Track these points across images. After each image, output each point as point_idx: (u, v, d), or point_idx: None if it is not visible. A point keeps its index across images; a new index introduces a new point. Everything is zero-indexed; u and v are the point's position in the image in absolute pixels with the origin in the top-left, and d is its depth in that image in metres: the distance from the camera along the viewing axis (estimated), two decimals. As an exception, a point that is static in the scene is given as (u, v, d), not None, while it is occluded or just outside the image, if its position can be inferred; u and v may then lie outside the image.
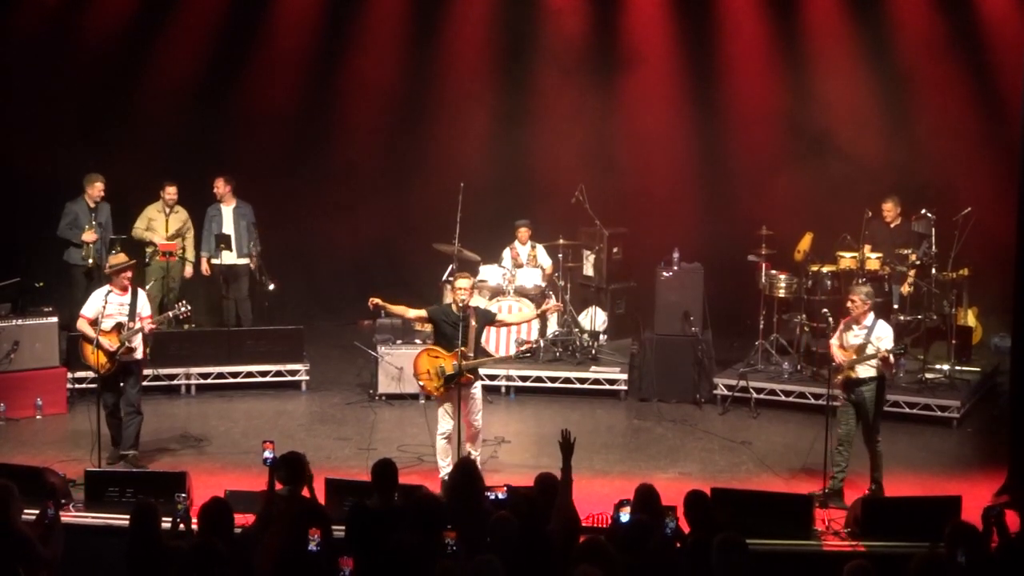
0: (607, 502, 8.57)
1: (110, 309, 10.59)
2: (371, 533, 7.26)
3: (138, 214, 13.70)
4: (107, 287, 10.72)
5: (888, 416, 10.48)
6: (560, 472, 7.89)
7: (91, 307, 10.63)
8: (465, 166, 14.37)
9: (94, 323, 10.51)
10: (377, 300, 10.47)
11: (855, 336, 10.10)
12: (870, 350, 9.96)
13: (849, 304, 10.24)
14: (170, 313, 11.06)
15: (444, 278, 13.51)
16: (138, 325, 10.56)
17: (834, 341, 10.32)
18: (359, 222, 15.68)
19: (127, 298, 10.64)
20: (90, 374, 11.68)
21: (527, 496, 7.82)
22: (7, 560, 7.00)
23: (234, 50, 15.17)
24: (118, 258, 11.07)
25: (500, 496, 8.08)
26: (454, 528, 7.07)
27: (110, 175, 13.46)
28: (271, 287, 13.42)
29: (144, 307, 10.73)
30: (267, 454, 8.08)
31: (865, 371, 10.03)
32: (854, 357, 10.00)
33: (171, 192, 13.62)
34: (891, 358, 10.07)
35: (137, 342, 10.65)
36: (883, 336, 10.03)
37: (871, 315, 10.14)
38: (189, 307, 11.05)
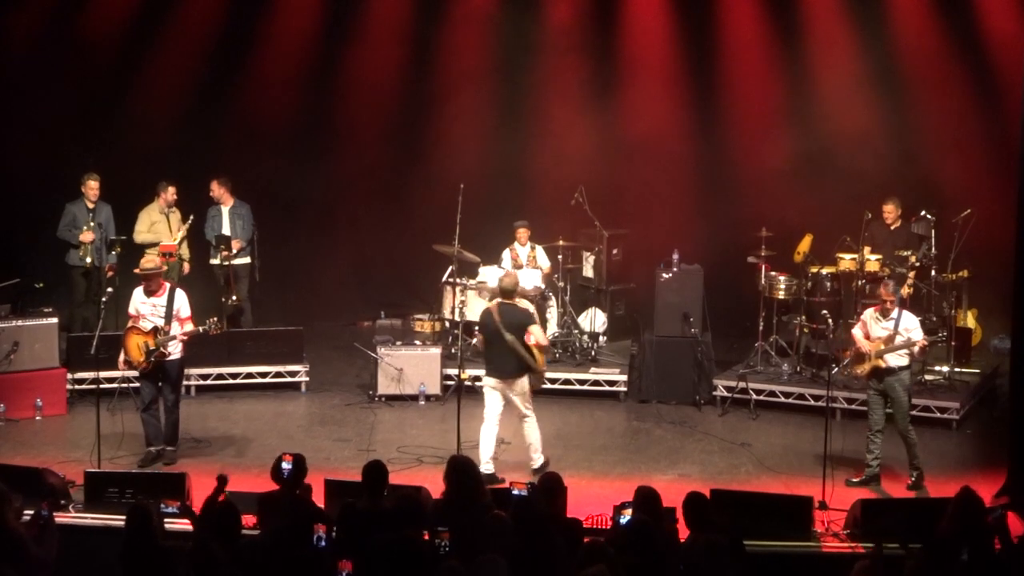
0: (606, 503, 8.59)
1: (143, 310, 10.76)
2: (361, 533, 7.27)
3: (134, 215, 13.58)
4: (140, 288, 10.89)
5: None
6: None
7: (131, 306, 10.88)
8: (465, 167, 14.31)
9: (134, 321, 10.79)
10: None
11: (883, 328, 10.45)
12: (899, 340, 10.29)
13: (887, 303, 10.41)
14: (200, 328, 10.90)
15: (444, 279, 13.50)
16: (173, 331, 10.64)
17: (857, 331, 10.66)
18: (358, 223, 15.68)
19: (161, 300, 10.73)
20: (89, 375, 11.72)
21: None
22: (1, 560, 7.00)
23: (234, 52, 15.15)
24: (149, 262, 11.26)
25: (521, 493, 8.11)
26: (450, 527, 7.07)
27: (109, 176, 13.44)
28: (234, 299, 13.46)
29: (183, 308, 10.80)
30: (285, 465, 8.08)
31: (896, 360, 10.40)
32: (883, 347, 10.35)
33: (172, 192, 13.53)
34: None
35: (172, 346, 10.73)
36: (911, 327, 10.44)
37: (896, 308, 10.49)
38: (221, 325, 11.10)
